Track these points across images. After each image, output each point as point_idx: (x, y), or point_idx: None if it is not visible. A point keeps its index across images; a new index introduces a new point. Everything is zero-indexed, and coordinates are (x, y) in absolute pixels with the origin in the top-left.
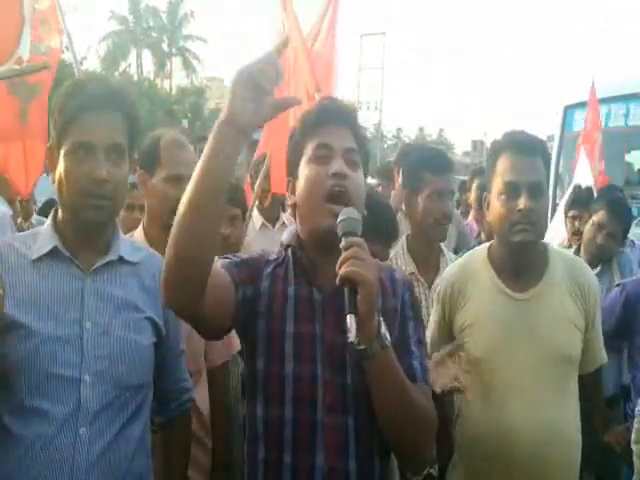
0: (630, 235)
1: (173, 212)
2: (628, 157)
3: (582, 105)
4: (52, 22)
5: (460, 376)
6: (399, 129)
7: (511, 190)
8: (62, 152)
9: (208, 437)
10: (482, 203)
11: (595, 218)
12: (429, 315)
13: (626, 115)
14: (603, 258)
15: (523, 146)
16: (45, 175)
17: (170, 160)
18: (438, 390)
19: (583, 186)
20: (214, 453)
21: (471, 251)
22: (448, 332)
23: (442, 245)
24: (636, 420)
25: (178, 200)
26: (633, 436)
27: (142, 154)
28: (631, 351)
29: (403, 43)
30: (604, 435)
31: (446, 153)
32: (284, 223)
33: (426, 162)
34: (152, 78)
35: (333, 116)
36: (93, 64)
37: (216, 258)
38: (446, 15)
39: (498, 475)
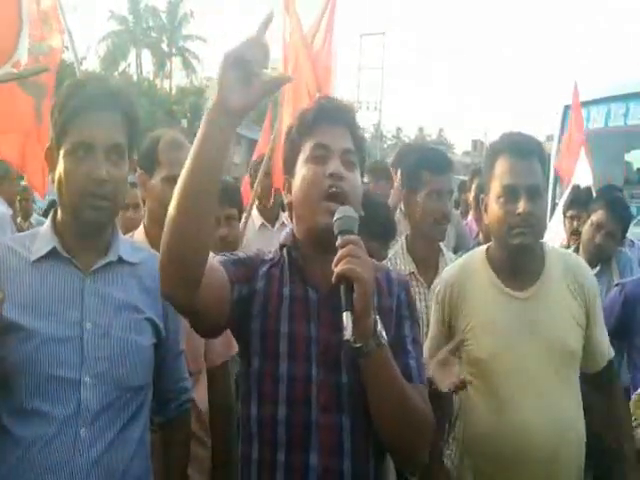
0: (630, 235)
1: None
2: (627, 156)
3: (582, 105)
4: (53, 22)
5: (463, 373)
6: (399, 129)
7: (510, 193)
8: (61, 152)
9: (208, 437)
10: (479, 203)
11: (594, 218)
12: (429, 315)
13: (625, 114)
14: (602, 258)
15: (521, 149)
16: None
17: (169, 160)
18: (446, 389)
19: (582, 186)
20: (214, 452)
21: (469, 253)
22: (448, 333)
23: (441, 245)
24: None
25: None
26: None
27: (141, 154)
28: (630, 351)
29: (403, 43)
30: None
31: (446, 153)
32: (284, 223)
33: (425, 162)
34: (152, 78)
35: (331, 115)
36: (93, 64)
37: (212, 255)
38: (446, 15)
39: (510, 476)
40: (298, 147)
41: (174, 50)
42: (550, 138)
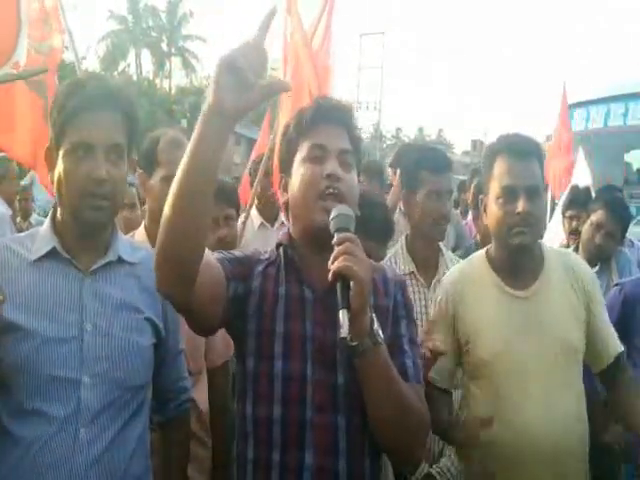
0: (629, 235)
1: None
2: (627, 157)
3: (582, 105)
4: (54, 21)
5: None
6: (398, 129)
7: (509, 194)
8: (61, 152)
9: (209, 437)
10: (478, 204)
11: (593, 218)
12: (428, 314)
13: (625, 115)
14: (602, 258)
15: (519, 149)
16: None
17: (168, 160)
18: (427, 349)
19: (580, 186)
20: (214, 452)
21: (469, 257)
22: (452, 334)
23: (441, 244)
24: None
25: None
26: None
27: (141, 154)
28: (630, 351)
29: (403, 43)
30: (603, 435)
31: (445, 153)
32: (283, 223)
33: (424, 162)
34: (151, 78)
35: (329, 115)
36: (92, 64)
37: (210, 252)
38: (446, 15)
39: (513, 476)
40: (295, 146)
41: (174, 50)
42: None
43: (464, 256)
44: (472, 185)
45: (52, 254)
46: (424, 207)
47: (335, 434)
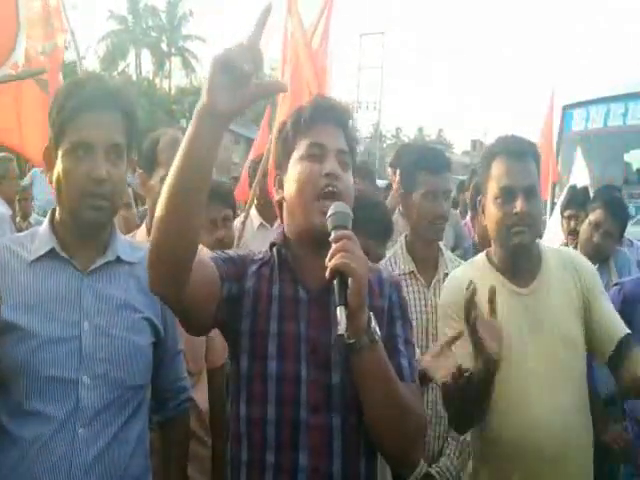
0: (629, 234)
1: None
2: (627, 157)
3: (581, 105)
4: (55, 21)
5: (464, 361)
6: (398, 129)
7: (507, 194)
8: (60, 152)
9: (209, 436)
10: (476, 204)
11: (592, 217)
12: (428, 314)
13: (625, 114)
14: (600, 257)
15: (516, 150)
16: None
17: (168, 160)
18: (442, 380)
19: (578, 186)
20: (214, 452)
21: (470, 260)
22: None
23: (441, 244)
24: None
25: None
26: None
27: (141, 154)
28: None
29: (403, 43)
30: (602, 435)
31: (443, 152)
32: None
33: (421, 162)
34: (151, 78)
35: (327, 115)
36: (92, 64)
37: (206, 250)
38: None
39: (516, 475)
40: (292, 144)
41: (173, 50)
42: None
43: (463, 256)
44: (471, 185)
45: (51, 254)
46: (420, 208)
47: (330, 435)
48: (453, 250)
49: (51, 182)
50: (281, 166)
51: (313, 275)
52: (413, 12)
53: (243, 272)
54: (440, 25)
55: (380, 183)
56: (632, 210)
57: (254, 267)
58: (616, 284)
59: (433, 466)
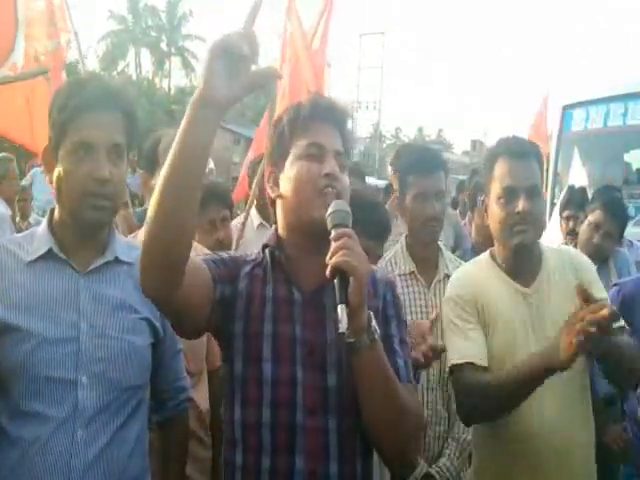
0: (629, 235)
1: None
2: (627, 157)
3: (581, 105)
4: (60, 20)
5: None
6: (398, 129)
7: (510, 194)
8: (61, 152)
9: (208, 436)
10: (476, 203)
11: (591, 218)
12: (428, 314)
13: (624, 114)
14: (600, 258)
15: (518, 151)
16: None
17: None
18: (416, 355)
19: (577, 186)
20: (214, 454)
21: (473, 260)
22: (477, 315)
23: (441, 245)
24: None
25: None
26: None
27: (143, 155)
28: None
29: (403, 43)
30: (602, 436)
31: (437, 152)
32: None
33: (411, 165)
34: (151, 78)
35: (326, 114)
36: (92, 64)
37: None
38: (446, 15)
39: (519, 475)
40: (289, 141)
41: (173, 50)
42: (550, 138)
43: (462, 258)
44: (471, 185)
45: (49, 255)
46: (412, 210)
47: (326, 437)
48: (453, 250)
49: (51, 182)
50: (277, 164)
51: (307, 276)
52: (413, 12)
53: (236, 274)
54: (440, 25)
55: (380, 183)
56: (632, 210)
57: (247, 268)
58: (615, 284)
59: (433, 466)
